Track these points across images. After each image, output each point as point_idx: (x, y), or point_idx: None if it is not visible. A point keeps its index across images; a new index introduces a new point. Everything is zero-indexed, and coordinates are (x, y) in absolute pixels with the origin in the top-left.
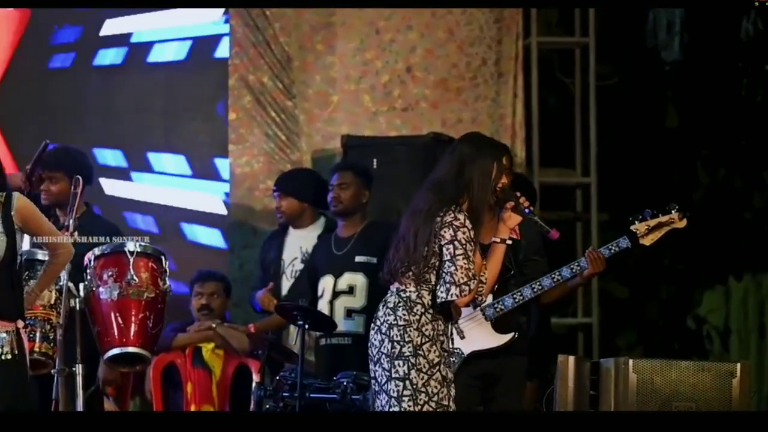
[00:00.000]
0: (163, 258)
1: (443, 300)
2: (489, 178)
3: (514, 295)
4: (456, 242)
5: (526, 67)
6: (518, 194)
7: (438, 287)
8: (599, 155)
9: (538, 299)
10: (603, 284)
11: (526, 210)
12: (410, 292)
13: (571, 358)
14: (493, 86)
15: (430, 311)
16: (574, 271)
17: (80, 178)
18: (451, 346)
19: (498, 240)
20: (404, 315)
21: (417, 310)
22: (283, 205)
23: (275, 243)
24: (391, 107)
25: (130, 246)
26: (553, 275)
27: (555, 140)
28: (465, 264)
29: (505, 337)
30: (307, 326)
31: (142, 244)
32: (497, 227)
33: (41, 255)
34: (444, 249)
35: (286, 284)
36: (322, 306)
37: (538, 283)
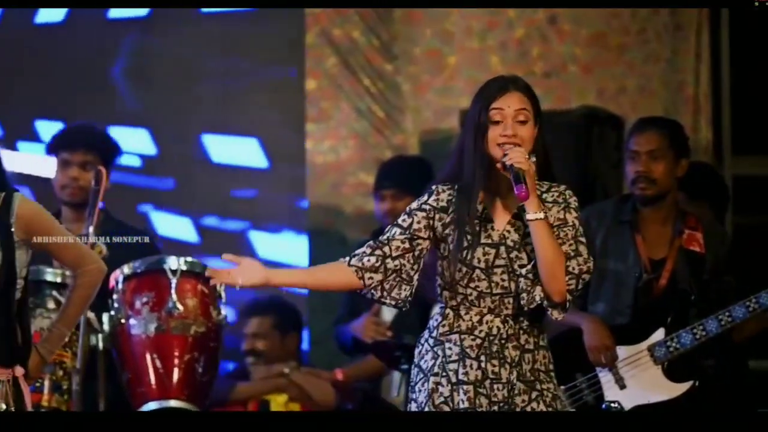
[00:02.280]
0: None
1: None
2: (478, 130)
3: (695, 330)
4: None
5: (714, 18)
6: (510, 145)
7: None
8: None
9: (731, 335)
10: None
11: (510, 165)
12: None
13: None
14: (668, 43)
15: (434, 334)
16: None
17: (103, 170)
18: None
19: (529, 218)
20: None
21: (423, 338)
22: (399, 208)
23: None
24: (529, 72)
25: (173, 263)
26: (747, 303)
27: (754, 117)
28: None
29: (682, 387)
30: None
31: (189, 260)
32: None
33: (51, 275)
34: None
35: (387, 316)
36: None
37: (727, 314)
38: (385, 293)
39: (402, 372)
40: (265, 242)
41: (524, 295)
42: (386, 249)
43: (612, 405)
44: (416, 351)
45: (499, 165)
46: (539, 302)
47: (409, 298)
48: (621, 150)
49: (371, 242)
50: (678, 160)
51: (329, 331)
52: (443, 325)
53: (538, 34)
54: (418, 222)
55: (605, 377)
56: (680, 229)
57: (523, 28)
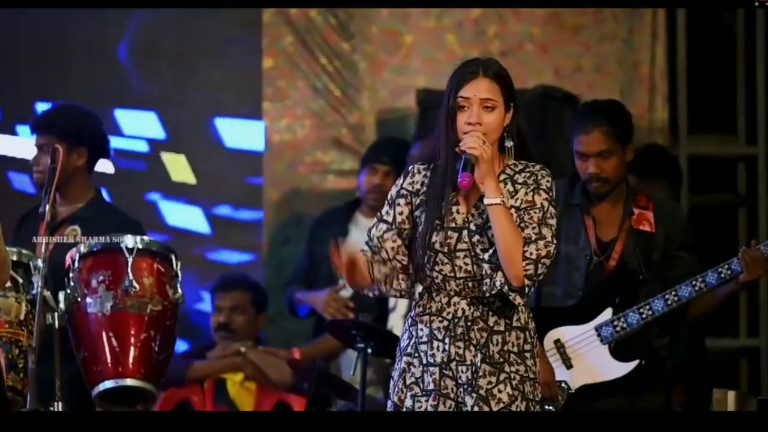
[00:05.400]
0: (173, 257)
1: None
2: (448, 115)
3: (641, 309)
4: None
5: None
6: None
7: None
8: None
9: (686, 312)
10: None
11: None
12: None
13: (731, 394)
14: (624, 22)
15: (412, 314)
16: (722, 276)
17: (60, 148)
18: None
19: (486, 203)
20: None
21: (407, 317)
22: (386, 186)
23: (335, 230)
24: (485, 51)
25: (129, 241)
26: (694, 282)
27: (709, 97)
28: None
29: (627, 367)
30: (370, 350)
31: (145, 238)
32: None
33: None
34: None
35: (344, 294)
36: (395, 322)
37: (673, 293)
38: (389, 286)
39: (358, 351)
40: (221, 221)
41: (486, 280)
42: (383, 254)
43: (561, 384)
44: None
45: (457, 149)
46: (499, 288)
47: (411, 288)
48: None
49: (369, 243)
50: (625, 148)
51: (285, 310)
52: (418, 306)
53: (495, 14)
54: (401, 213)
55: (552, 357)
56: (630, 209)
57: (479, 7)
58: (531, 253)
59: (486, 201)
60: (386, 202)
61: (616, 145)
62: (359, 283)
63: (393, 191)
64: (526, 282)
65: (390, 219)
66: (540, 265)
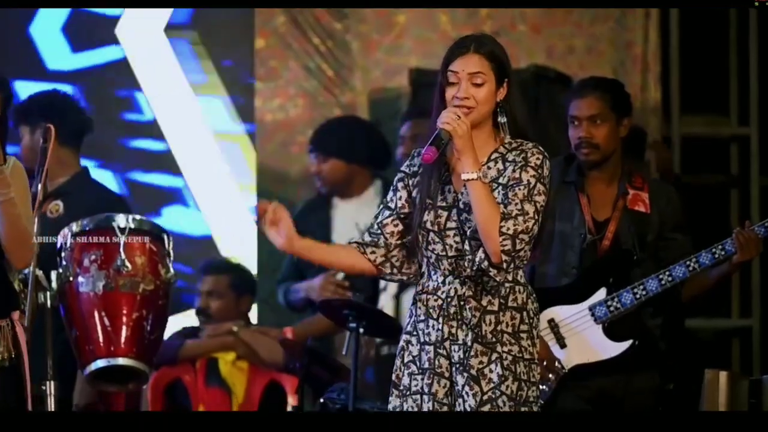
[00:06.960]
0: (165, 237)
1: None
2: (439, 91)
3: (635, 290)
4: None
5: None
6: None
7: None
8: (762, 98)
9: (679, 293)
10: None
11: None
12: None
13: (723, 374)
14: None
15: (414, 293)
16: (716, 256)
17: (51, 127)
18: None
19: (462, 177)
20: None
21: (413, 297)
22: (324, 170)
23: (317, 218)
24: (478, 31)
25: (121, 221)
26: (687, 262)
27: (702, 77)
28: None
29: (621, 346)
30: (362, 330)
31: (137, 218)
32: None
33: None
34: None
35: (339, 275)
36: (385, 302)
37: (667, 273)
38: (395, 269)
39: (350, 330)
40: (214, 199)
41: (469, 257)
42: (382, 239)
43: (556, 364)
44: None
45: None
46: (478, 264)
47: (419, 272)
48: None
49: (370, 228)
50: (620, 120)
51: (277, 290)
52: (419, 285)
53: None
54: (400, 197)
55: (547, 336)
56: (624, 189)
57: (473, 7)
58: (508, 228)
59: (463, 176)
60: (391, 186)
61: (609, 112)
62: (359, 269)
63: (396, 177)
64: (504, 258)
65: (393, 205)
66: (518, 241)
